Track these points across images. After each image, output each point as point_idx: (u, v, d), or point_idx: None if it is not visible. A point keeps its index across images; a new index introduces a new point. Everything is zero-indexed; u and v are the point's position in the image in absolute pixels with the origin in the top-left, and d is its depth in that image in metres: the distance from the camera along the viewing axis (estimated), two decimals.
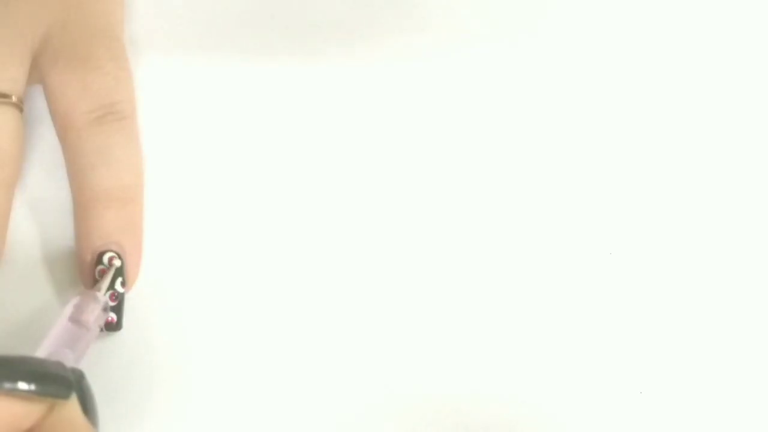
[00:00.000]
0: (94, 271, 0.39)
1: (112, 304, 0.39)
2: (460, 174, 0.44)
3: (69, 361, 0.35)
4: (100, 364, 0.39)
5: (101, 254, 0.39)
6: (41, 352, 0.36)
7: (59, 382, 0.32)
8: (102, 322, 0.38)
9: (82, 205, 0.40)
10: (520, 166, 0.44)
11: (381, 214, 0.43)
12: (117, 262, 0.39)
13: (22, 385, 0.31)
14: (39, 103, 0.42)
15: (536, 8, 0.48)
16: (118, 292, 0.39)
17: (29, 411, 0.31)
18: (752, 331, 0.42)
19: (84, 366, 0.38)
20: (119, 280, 0.39)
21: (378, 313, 0.41)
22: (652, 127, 0.45)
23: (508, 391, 0.40)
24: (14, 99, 0.40)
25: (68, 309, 0.37)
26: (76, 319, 0.37)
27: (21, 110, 0.40)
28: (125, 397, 0.39)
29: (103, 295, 0.38)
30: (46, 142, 0.42)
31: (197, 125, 0.44)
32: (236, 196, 0.42)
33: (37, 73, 0.41)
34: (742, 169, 0.45)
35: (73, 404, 0.33)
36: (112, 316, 0.39)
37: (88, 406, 0.33)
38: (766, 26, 0.48)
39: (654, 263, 0.42)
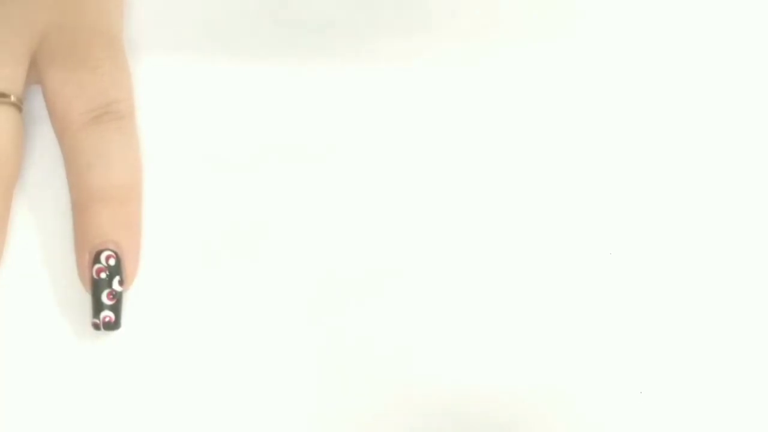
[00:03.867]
0: (91, 270, 0.39)
1: (110, 302, 0.39)
2: (460, 174, 0.44)
3: None
4: (99, 364, 0.39)
5: (98, 253, 0.39)
6: None
7: None
8: None
9: (80, 204, 0.40)
10: (520, 166, 0.44)
11: (381, 214, 0.43)
12: (113, 261, 0.39)
13: None
14: (38, 103, 0.42)
15: (539, 9, 0.47)
16: (116, 291, 0.39)
17: None
18: (752, 331, 0.41)
19: (83, 365, 0.38)
20: (117, 278, 0.39)
21: (379, 312, 0.41)
22: (651, 127, 0.45)
23: (507, 391, 0.40)
24: (13, 99, 0.40)
25: None
26: None
27: (20, 110, 0.41)
28: (124, 396, 0.39)
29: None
30: (46, 142, 0.42)
31: (197, 125, 0.44)
32: (235, 196, 0.42)
33: (35, 72, 0.42)
34: (742, 169, 0.45)
35: None
36: (111, 315, 0.39)
37: None
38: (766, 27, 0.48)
39: (654, 263, 0.42)
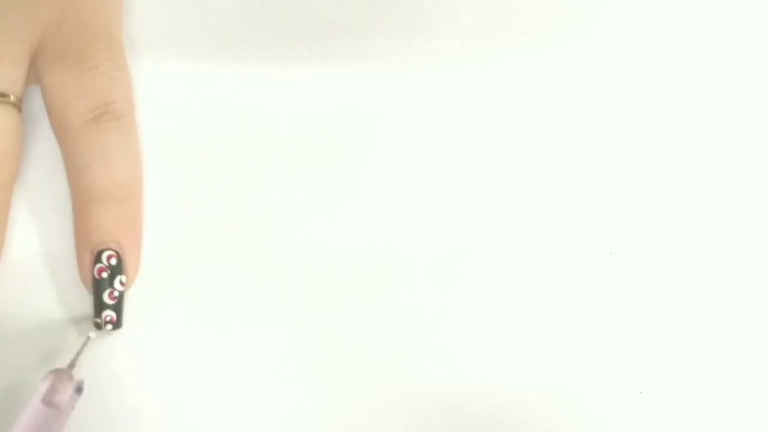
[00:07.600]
0: (92, 270, 0.39)
1: (112, 302, 0.39)
2: (460, 174, 0.44)
3: None
4: (100, 363, 0.39)
5: (100, 253, 0.39)
6: None
7: None
8: (75, 404, 0.37)
9: (80, 204, 0.40)
10: (520, 166, 0.44)
11: (380, 214, 0.43)
12: (114, 261, 0.39)
13: None
14: (38, 103, 0.42)
15: (536, 10, 0.47)
16: (118, 290, 0.39)
17: None
18: (752, 331, 0.42)
19: (83, 363, 0.38)
20: (119, 278, 0.39)
21: (379, 311, 0.41)
22: (651, 127, 0.45)
23: (507, 391, 0.40)
24: (12, 99, 0.40)
25: (40, 389, 0.37)
26: (48, 401, 0.36)
27: (20, 110, 0.40)
28: (124, 395, 0.39)
29: (76, 374, 0.38)
30: (46, 142, 0.42)
31: (197, 124, 0.44)
32: (236, 196, 0.42)
33: (34, 72, 0.41)
34: (742, 169, 0.45)
35: None
36: (112, 314, 0.39)
37: None
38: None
39: (654, 263, 0.42)
